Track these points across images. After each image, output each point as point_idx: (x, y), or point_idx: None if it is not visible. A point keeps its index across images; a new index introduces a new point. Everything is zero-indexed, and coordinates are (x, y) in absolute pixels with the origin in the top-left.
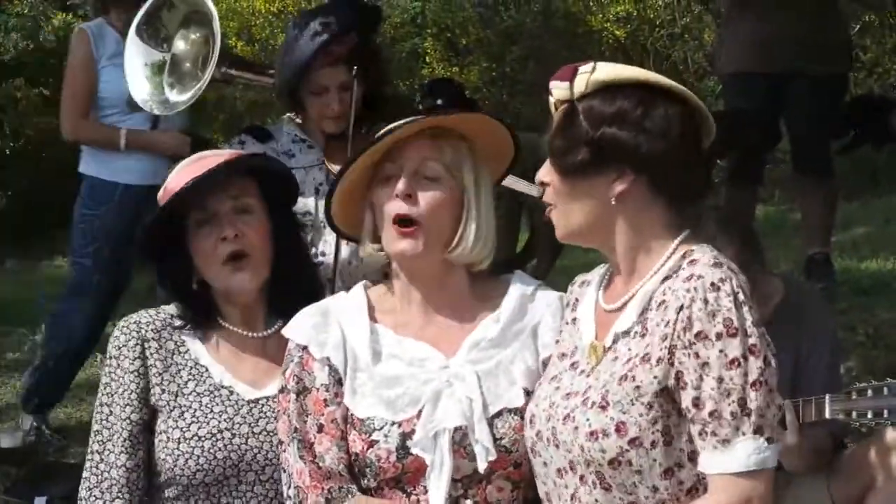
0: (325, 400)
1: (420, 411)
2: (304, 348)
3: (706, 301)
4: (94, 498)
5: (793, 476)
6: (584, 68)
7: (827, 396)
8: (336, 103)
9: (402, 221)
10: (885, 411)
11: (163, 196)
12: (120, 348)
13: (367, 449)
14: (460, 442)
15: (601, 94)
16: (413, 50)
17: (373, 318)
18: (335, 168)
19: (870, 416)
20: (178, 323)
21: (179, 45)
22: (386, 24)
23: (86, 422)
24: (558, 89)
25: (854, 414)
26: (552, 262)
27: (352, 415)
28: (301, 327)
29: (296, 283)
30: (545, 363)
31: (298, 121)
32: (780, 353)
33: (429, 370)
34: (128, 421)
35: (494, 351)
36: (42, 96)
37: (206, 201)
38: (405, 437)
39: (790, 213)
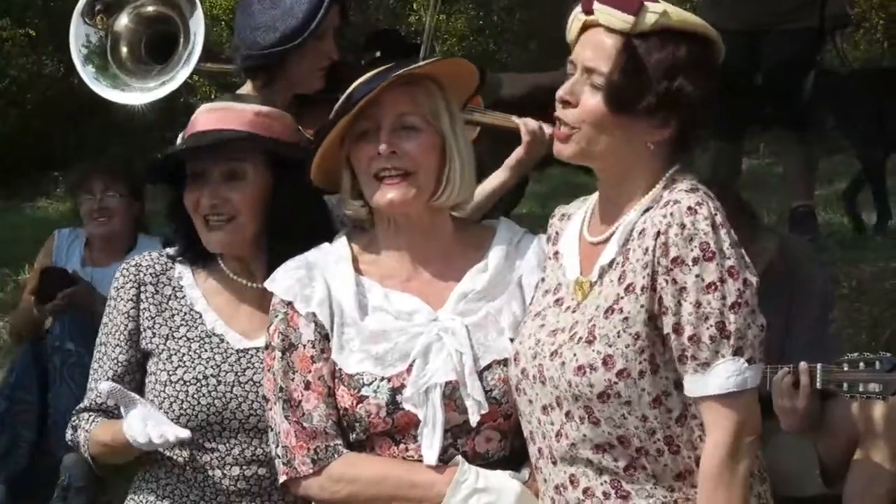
0: (311, 356)
1: (410, 366)
2: (289, 304)
3: (683, 225)
4: (75, 425)
5: (777, 430)
6: (656, 7)
7: (819, 366)
8: (334, 49)
9: (390, 176)
10: (878, 385)
11: (187, 130)
12: (118, 290)
13: (357, 405)
14: (451, 395)
15: (660, 36)
16: None
17: (357, 270)
18: (309, 132)
19: (861, 388)
20: (173, 253)
21: (122, 21)
22: None
23: None
24: (614, 18)
25: (845, 386)
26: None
27: (340, 370)
28: (285, 282)
29: (297, 240)
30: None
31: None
32: (772, 309)
33: (417, 323)
34: (115, 361)
35: (482, 303)
36: (28, 37)
37: (200, 160)
38: (395, 392)
39: (775, 167)
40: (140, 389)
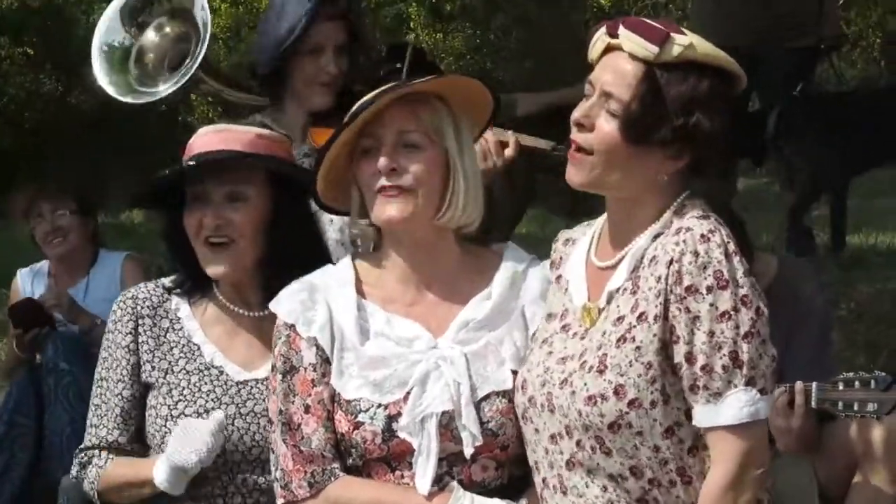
0: (312, 380)
1: (407, 394)
2: (292, 326)
3: (696, 253)
4: (84, 462)
5: (777, 453)
6: (682, 40)
7: (814, 385)
8: (332, 65)
9: (389, 189)
10: (873, 404)
11: (186, 151)
12: (115, 323)
13: (353, 430)
14: (447, 425)
15: (683, 68)
16: (397, 15)
17: (360, 293)
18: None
19: (856, 408)
20: (168, 284)
21: (150, 35)
22: None
23: None
24: (639, 46)
25: (840, 405)
26: (508, 235)
27: (338, 395)
28: (288, 304)
29: (293, 267)
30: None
31: (267, 121)
32: (773, 330)
33: (417, 350)
34: (120, 397)
35: (483, 332)
36: (26, 55)
37: (203, 181)
38: (391, 419)
39: (772, 186)
40: (143, 422)
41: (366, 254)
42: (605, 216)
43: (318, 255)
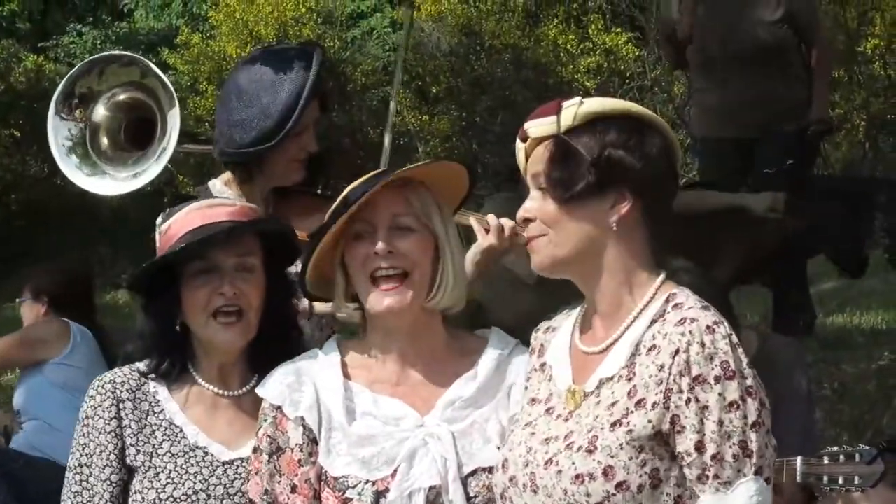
0: (299, 460)
1: (395, 470)
2: (279, 408)
3: (703, 344)
4: None
5: None
6: (571, 102)
7: (798, 459)
8: (313, 143)
9: (386, 277)
10: (857, 478)
11: (165, 235)
12: (95, 409)
13: None
14: (434, 500)
15: (589, 126)
16: (384, 98)
17: (346, 375)
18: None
19: (841, 481)
20: (144, 369)
21: (99, 111)
22: (357, 72)
23: None
24: (541, 126)
25: (825, 479)
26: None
27: (326, 473)
28: (275, 387)
29: (280, 343)
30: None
31: (230, 191)
32: None
33: (404, 428)
34: (108, 482)
35: (470, 410)
36: (12, 137)
37: (210, 253)
38: (379, 495)
39: None
40: None
41: (350, 337)
42: (583, 304)
43: (299, 340)
